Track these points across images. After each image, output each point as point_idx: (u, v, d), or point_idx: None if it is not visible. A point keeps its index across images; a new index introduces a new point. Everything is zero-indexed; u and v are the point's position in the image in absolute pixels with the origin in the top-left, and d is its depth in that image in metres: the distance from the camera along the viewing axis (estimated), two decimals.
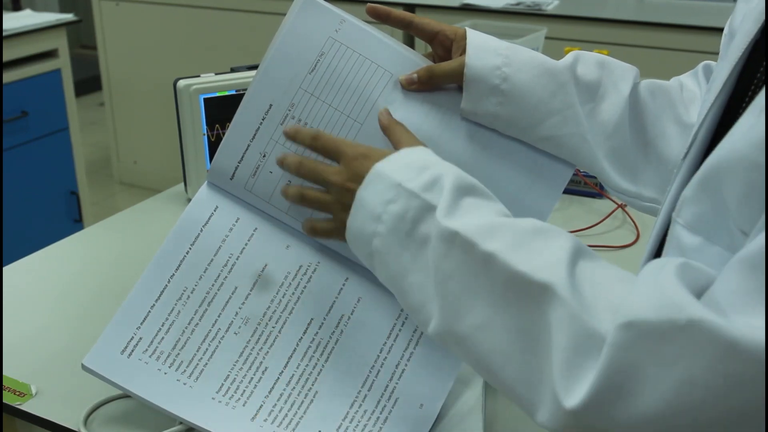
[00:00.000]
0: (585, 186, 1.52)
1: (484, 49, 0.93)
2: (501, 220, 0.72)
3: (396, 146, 0.87)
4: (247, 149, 0.94)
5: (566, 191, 1.53)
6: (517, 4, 3.03)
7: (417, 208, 0.74)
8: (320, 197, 0.85)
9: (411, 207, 0.74)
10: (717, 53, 0.90)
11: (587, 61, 0.96)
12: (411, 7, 3.11)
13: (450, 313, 0.70)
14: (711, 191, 0.65)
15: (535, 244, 0.67)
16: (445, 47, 0.98)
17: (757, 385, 0.52)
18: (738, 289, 0.55)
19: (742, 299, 0.54)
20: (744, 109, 0.70)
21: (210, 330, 0.90)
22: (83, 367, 0.86)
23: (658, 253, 0.78)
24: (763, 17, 0.72)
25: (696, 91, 0.99)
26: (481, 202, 0.75)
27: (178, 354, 0.88)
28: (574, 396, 0.59)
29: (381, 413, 0.89)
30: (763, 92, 0.61)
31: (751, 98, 0.70)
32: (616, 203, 1.47)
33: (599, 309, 0.61)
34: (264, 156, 0.94)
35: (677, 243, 0.68)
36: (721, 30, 0.90)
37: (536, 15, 2.93)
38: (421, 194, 0.74)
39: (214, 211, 0.95)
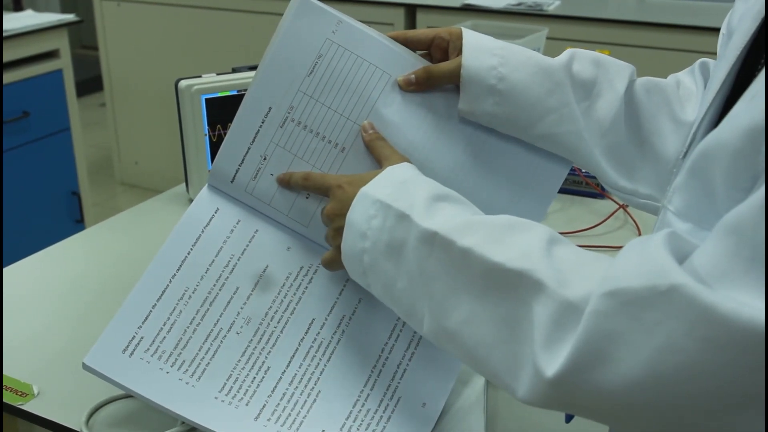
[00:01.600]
0: (586, 186, 1.52)
1: (480, 50, 0.94)
2: (476, 218, 0.75)
3: (379, 162, 0.91)
4: (247, 152, 0.95)
5: (567, 191, 1.54)
6: (518, 4, 3.03)
7: (394, 217, 0.78)
8: (327, 234, 0.90)
9: (388, 216, 0.78)
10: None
11: (583, 59, 0.97)
12: (412, 8, 3.11)
13: (438, 312, 0.73)
14: (699, 178, 0.66)
15: (510, 237, 0.70)
16: (442, 49, 0.98)
17: (732, 351, 0.52)
18: (715, 252, 0.55)
19: (718, 263, 0.55)
20: None
21: (212, 330, 0.90)
22: (84, 366, 0.86)
23: None
24: (760, 16, 0.73)
25: (692, 88, 1.00)
26: (456, 205, 0.79)
27: (180, 353, 0.88)
28: (554, 364, 0.60)
29: (384, 412, 0.89)
30: (755, 81, 0.61)
31: None
32: (618, 204, 1.47)
33: (577, 282, 0.62)
34: (264, 159, 0.95)
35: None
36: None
37: (537, 15, 2.93)
38: (395, 204, 0.78)
39: (215, 212, 0.95)
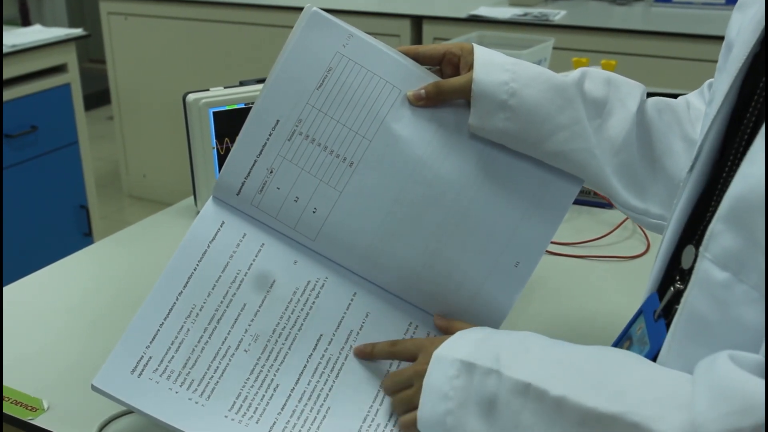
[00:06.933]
0: (594, 196, 1.52)
1: (491, 65, 0.93)
2: (561, 356, 0.75)
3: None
4: (253, 165, 0.94)
5: (575, 201, 1.53)
6: (524, 14, 3.03)
7: (481, 374, 0.77)
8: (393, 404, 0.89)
9: (476, 374, 0.77)
10: None
11: (594, 78, 0.96)
12: (418, 19, 3.12)
13: None
14: (742, 227, 0.63)
15: (602, 377, 0.70)
16: (453, 64, 0.97)
17: None
18: None
19: None
20: (749, 120, 0.70)
21: (220, 348, 0.89)
22: (93, 387, 0.85)
23: (667, 271, 0.78)
24: (760, 27, 0.72)
25: (702, 109, 0.99)
26: (538, 347, 0.78)
27: (189, 372, 0.88)
28: None
29: (394, 427, 0.88)
30: None
31: (755, 109, 0.70)
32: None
33: (669, 420, 0.63)
34: (271, 172, 0.94)
35: (704, 277, 0.67)
36: None
37: (543, 26, 2.93)
38: (480, 362, 0.78)
39: (221, 226, 0.94)
